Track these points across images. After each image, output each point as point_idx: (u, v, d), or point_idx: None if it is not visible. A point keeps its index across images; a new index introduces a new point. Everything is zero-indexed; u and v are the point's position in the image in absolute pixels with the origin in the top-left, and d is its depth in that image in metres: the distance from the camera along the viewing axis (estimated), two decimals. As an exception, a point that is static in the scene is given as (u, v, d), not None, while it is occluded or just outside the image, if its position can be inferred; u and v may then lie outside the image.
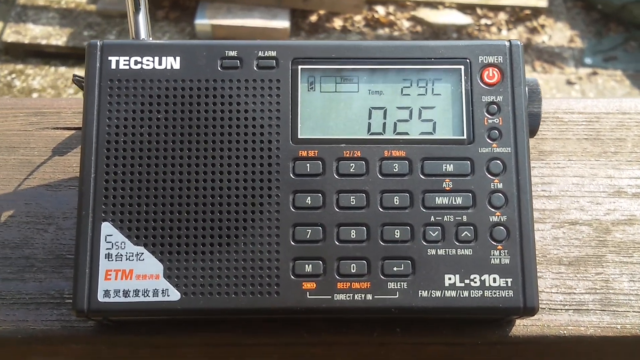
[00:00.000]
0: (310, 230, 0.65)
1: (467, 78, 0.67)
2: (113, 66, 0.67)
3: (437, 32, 3.50)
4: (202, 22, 3.39)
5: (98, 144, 0.66)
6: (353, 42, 0.69)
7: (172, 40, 0.70)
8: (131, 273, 0.64)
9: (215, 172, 0.65)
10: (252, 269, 0.64)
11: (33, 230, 0.74)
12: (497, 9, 3.61)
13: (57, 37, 3.43)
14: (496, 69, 0.67)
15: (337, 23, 3.56)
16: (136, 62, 0.67)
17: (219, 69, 0.67)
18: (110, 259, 0.64)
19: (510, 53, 0.68)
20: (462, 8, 3.61)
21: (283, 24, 3.40)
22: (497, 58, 0.67)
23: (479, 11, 3.60)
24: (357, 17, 3.57)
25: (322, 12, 3.57)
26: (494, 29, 3.54)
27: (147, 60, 0.67)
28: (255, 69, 0.67)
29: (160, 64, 0.67)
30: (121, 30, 3.46)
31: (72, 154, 0.79)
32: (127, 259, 0.64)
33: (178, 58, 0.67)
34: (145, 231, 0.65)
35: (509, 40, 0.68)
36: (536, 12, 3.59)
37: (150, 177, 0.65)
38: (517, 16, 3.59)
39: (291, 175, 0.66)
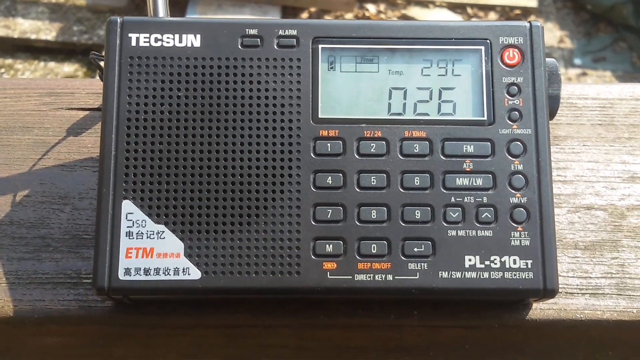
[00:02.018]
0: (330, 210, 0.65)
1: (487, 59, 0.68)
2: (133, 43, 0.67)
3: (428, 31, 3.51)
4: (193, 17, 3.38)
5: (119, 121, 0.65)
6: (374, 22, 0.69)
7: (192, 17, 0.70)
8: (152, 251, 0.64)
9: (236, 150, 0.65)
10: (272, 249, 0.64)
11: (49, 210, 0.73)
12: (487, 8, 3.63)
13: (46, 31, 3.41)
14: (517, 50, 0.68)
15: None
16: (156, 40, 0.67)
17: (240, 47, 0.67)
18: (130, 237, 0.64)
19: (530, 34, 0.68)
20: (453, 7, 3.62)
21: (274, 20, 3.40)
22: (518, 39, 0.68)
23: (469, 10, 3.62)
24: (348, 15, 3.58)
25: (313, 9, 3.57)
26: (484, 28, 3.55)
27: (168, 37, 0.67)
28: (275, 47, 0.67)
29: (180, 41, 0.67)
30: (110, 26, 3.44)
31: (87, 134, 0.78)
32: (147, 237, 0.64)
33: (198, 36, 0.67)
34: (165, 209, 0.64)
35: (530, 22, 0.69)
36: (526, 12, 3.61)
37: (171, 155, 0.65)
38: (507, 16, 3.61)
39: (312, 154, 0.66)
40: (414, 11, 3.62)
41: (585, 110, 0.80)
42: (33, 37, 3.38)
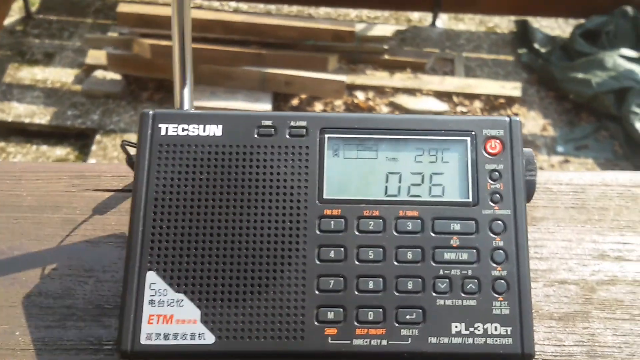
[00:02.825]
0: (333, 281, 0.73)
1: (472, 148, 0.77)
2: (163, 132, 0.76)
3: (416, 118, 3.64)
4: (216, 110, 3.48)
5: (147, 201, 0.74)
6: (374, 115, 0.79)
7: (214, 110, 0.79)
8: (172, 318, 0.71)
9: (250, 227, 0.74)
10: (280, 315, 0.72)
11: (74, 282, 0.80)
12: (472, 97, 3.78)
13: (40, 115, 3.49)
14: (498, 141, 0.77)
15: (318, 107, 3.68)
16: (183, 129, 0.76)
17: (256, 136, 0.76)
18: (153, 305, 0.71)
19: (510, 127, 0.78)
20: (439, 95, 3.77)
21: (265, 107, 3.52)
22: (499, 131, 0.78)
23: (455, 99, 3.76)
24: (338, 102, 3.70)
25: (303, 96, 3.70)
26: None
27: (193, 127, 0.76)
28: (287, 136, 0.77)
29: (204, 131, 0.76)
30: (104, 110, 3.54)
31: (111, 213, 0.86)
32: (168, 305, 0.71)
33: (220, 126, 0.76)
34: (185, 280, 0.72)
35: (509, 116, 0.79)
36: (510, 101, 3.76)
37: (192, 232, 0.73)
38: (492, 104, 3.75)
39: (317, 231, 0.74)
40: (402, 99, 3.75)
41: (560, 195, 0.90)
42: (27, 120, 3.45)
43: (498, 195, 0.75)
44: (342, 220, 0.75)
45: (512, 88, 3.80)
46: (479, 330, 0.72)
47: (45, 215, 0.86)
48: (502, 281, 0.73)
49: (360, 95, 3.75)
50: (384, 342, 0.71)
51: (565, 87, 3.73)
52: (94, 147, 3.35)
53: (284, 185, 0.75)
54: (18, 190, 0.88)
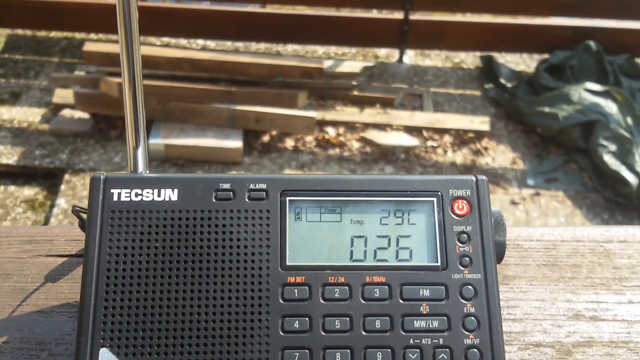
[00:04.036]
0: (297, 354, 0.69)
1: (439, 209, 0.74)
2: (115, 198, 0.72)
3: (386, 152, 3.64)
4: (156, 141, 3.46)
5: (99, 272, 0.69)
6: (337, 176, 0.76)
7: (169, 174, 0.75)
8: (127, 397, 0.67)
9: (209, 297, 0.70)
10: None
11: (26, 357, 0.75)
12: (442, 131, 3.79)
13: (8, 155, 3.44)
14: (465, 201, 0.75)
15: (289, 143, 3.67)
16: (137, 194, 0.72)
17: (214, 200, 0.73)
18: (106, 383, 0.67)
19: (477, 187, 0.75)
20: (409, 130, 3.77)
21: (236, 143, 3.50)
22: (466, 191, 0.75)
23: (425, 133, 3.77)
24: (309, 138, 3.69)
25: (274, 132, 3.69)
26: (439, 150, 3.70)
27: (147, 192, 0.72)
28: (247, 200, 0.73)
29: (159, 195, 0.72)
30: (73, 150, 3.50)
31: (64, 280, 0.82)
32: (123, 383, 0.67)
33: (176, 190, 0.73)
34: (141, 356, 0.68)
35: (476, 176, 0.76)
36: (479, 135, 3.78)
37: (147, 304, 0.69)
38: (462, 139, 3.76)
39: (280, 300, 0.70)
40: (372, 134, 3.75)
41: (531, 252, 0.87)
42: (-6, 161, 3.41)
43: (467, 259, 0.73)
44: (306, 287, 0.71)
45: (480, 122, 3.81)
46: (452, 402, 0.69)
47: (-6, 284, 0.81)
48: (475, 350, 0.70)
49: (331, 131, 3.74)
50: None
51: (533, 121, 3.76)
52: (62, 187, 3.30)
53: (245, 252, 0.71)
54: (-35, 258, 0.83)
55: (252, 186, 0.74)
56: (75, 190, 3.30)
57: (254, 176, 0.74)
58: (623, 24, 4.25)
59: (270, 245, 0.72)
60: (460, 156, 3.68)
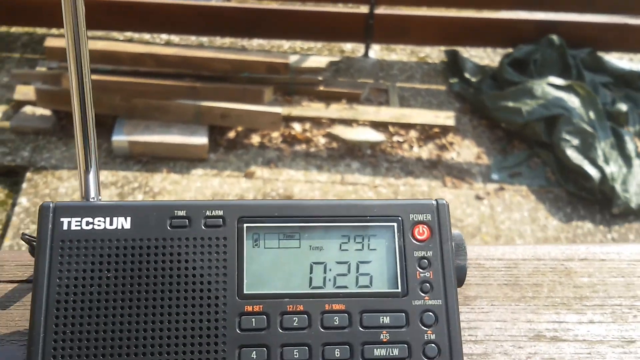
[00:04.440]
0: None
1: (399, 234, 0.73)
2: (65, 227, 0.69)
3: (352, 148, 3.64)
4: (120, 138, 3.41)
5: (48, 303, 0.67)
6: (295, 202, 0.74)
7: (123, 201, 0.73)
8: None
9: (164, 329, 0.68)
10: None
11: (-26, 389, 0.73)
12: (408, 127, 3.79)
13: (-32, 154, 3.38)
14: (425, 226, 0.73)
15: (255, 139, 3.65)
16: (88, 223, 0.70)
17: (168, 227, 0.71)
18: (57, 420, 0.65)
19: (437, 211, 0.74)
20: (375, 126, 3.77)
21: (201, 140, 3.46)
22: (426, 216, 0.74)
23: (391, 129, 3.76)
24: (275, 134, 3.67)
25: (240, 128, 3.66)
26: (405, 145, 3.70)
27: (99, 220, 0.70)
28: (203, 227, 0.71)
29: (111, 224, 0.70)
30: (35, 147, 3.43)
31: (15, 307, 0.79)
32: (74, 420, 0.65)
33: (129, 218, 0.70)
34: (93, 390, 0.66)
35: (436, 200, 0.75)
36: (444, 130, 3.79)
37: (99, 336, 0.67)
38: (427, 134, 3.77)
39: (237, 330, 0.69)
40: (339, 129, 3.74)
41: (492, 271, 0.86)
42: (-46, 159, 3.34)
43: (428, 285, 0.72)
44: (264, 317, 0.69)
45: (445, 117, 3.82)
46: None
47: (-59, 313, 0.78)
48: None
49: (297, 127, 3.72)
50: None
51: (497, 116, 3.78)
52: (24, 185, 3.24)
53: (201, 281, 0.70)
54: None
55: (208, 213, 0.72)
56: (37, 189, 3.25)
57: (210, 202, 0.72)
58: (586, 17, 4.29)
59: (227, 273, 0.70)
60: (426, 151, 3.68)
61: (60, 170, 3.34)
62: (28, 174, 3.31)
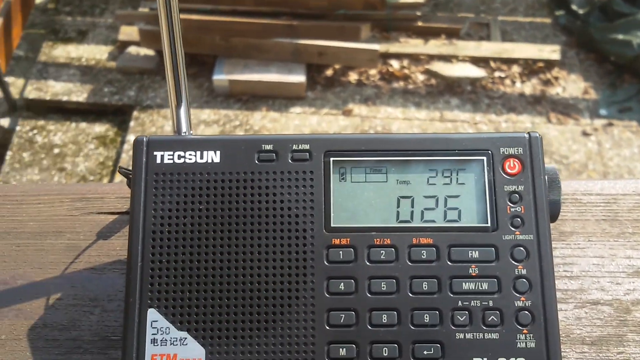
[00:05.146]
0: (343, 315, 0.68)
1: (489, 169, 0.71)
2: (158, 160, 0.72)
3: (452, 84, 3.56)
4: (220, 77, 3.46)
5: (144, 234, 0.70)
6: (381, 135, 0.73)
7: (212, 135, 0.75)
8: (175, 357, 0.68)
9: (254, 259, 0.69)
10: (289, 353, 0.68)
11: (80, 313, 0.77)
12: (510, 62, 3.67)
13: (77, 93, 3.51)
14: (517, 160, 0.71)
15: (353, 77, 3.62)
16: (179, 157, 0.72)
17: (256, 161, 0.72)
18: (155, 344, 0.68)
19: (529, 145, 0.72)
20: (476, 61, 3.67)
21: (299, 78, 3.47)
22: (518, 150, 0.71)
23: (492, 64, 3.66)
24: (372, 71, 3.64)
25: (337, 66, 3.64)
26: (507, 81, 3.59)
27: (190, 154, 0.72)
28: (289, 161, 0.72)
29: (201, 157, 0.72)
30: (140, 87, 3.54)
31: (116, 237, 0.83)
32: (171, 344, 0.68)
33: (218, 152, 0.72)
34: (188, 317, 0.68)
35: (529, 133, 0.72)
36: (549, 64, 3.64)
37: (193, 265, 0.69)
38: (531, 69, 3.64)
39: (325, 262, 0.70)
40: (437, 66, 3.66)
41: (590, 206, 0.83)
42: (65, 99, 3.48)
43: (519, 220, 0.70)
44: (352, 250, 0.70)
45: (550, 51, 3.67)
46: (502, 366, 0.67)
47: (48, 242, 0.83)
48: (527, 312, 0.68)
49: (394, 64, 3.67)
50: None
51: (606, 49, 3.60)
52: (132, 123, 3.36)
53: (288, 214, 0.70)
54: (19, 215, 0.85)
55: (295, 147, 0.72)
56: (144, 127, 3.36)
57: (297, 136, 0.73)
58: None
59: (314, 207, 0.71)
60: (529, 87, 3.56)
61: (165, 109, 3.44)
62: (135, 113, 3.42)
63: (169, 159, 0.72)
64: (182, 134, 0.77)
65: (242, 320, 0.68)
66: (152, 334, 0.68)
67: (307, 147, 0.72)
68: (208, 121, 3.35)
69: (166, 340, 0.68)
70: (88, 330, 0.77)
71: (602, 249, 0.80)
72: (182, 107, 0.75)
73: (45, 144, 3.31)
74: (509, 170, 0.71)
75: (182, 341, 0.68)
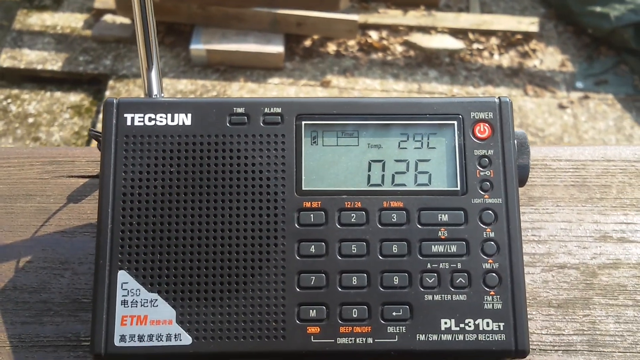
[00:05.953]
0: (314, 277, 0.69)
1: (460, 133, 0.72)
2: (128, 123, 0.71)
3: (430, 56, 3.56)
4: (197, 47, 3.43)
5: (114, 196, 0.70)
6: (353, 99, 0.74)
7: (183, 98, 0.74)
8: (145, 319, 0.68)
9: (225, 222, 0.70)
10: (259, 314, 0.68)
11: (50, 275, 0.77)
12: (488, 33, 3.67)
13: (52, 62, 3.46)
14: (487, 124, 0.72)
15: (331, 48, 3.61)
16: (150, 119, 0.71)
17: (228, 124, 0.72)
18: (126, 305, 0.68)
19: (500, 109, 0.72)
20: (454, 33, 3.66)
21: (277, 48, 3.45)
22: (488, 114, 0.72)
23: (470, 36, 3.66)
24: (351, 42, 3.62)
25: (316, 37, 3.62)
26: (485, 53, 3.60)
27: (161, 117, 0.71)
28: (261, 124, 0.72)
29: (172, 120, 0.71)
30: (116, 55, 3.50)
31: (87, 201, 0.83)
32: (142, 305, 0.68)
33: (189, 115, 0.72)
34: (159, 279, 0.69)
35: (499, 97, 0.73)
36: (527, 36, 3.65)
37: (164, 228, 0.69)
38: (509, 41, 3.65)
39: (296, 225, 0.70)
40: (416, 37, 3.66)
41: (559, 172, 0.84)
42: (39, 67, 3.43)
43: (488, 183, 0.70)
44: (322, 212, 0.70)
45: (529, 23, 3.68)
46: (469, 326, 0.68)
47: (18, 205, 0.82)
48: (494, 274, 0.69)
49: (373, 35, 3.66)
50: (370, 340, 0.68)
51: (584, 21, 3.61)
52: (107, 93, 3.33)
53: (260, 177, 0.71)
54: (-10, 179, 0.85)
55: (266, 110, 0.72)
56: (119, 97, 3.32)
57: (269, 100, 0.73)
58: None
59: (285, 170, 0.71)
60: (507, 59, 3.57)
61: (140, 78, 3.40)
62: (110, 82, 3.39)
63: (139, 121, 0.71)
64: (154, 97, 0.76)
65: (213, 282, 0.69)
66: (123, 296, 0.68)
67: (278, 110, 0.72)
68: (185, 91, 3.33)
69: (136, 301, 0.68)
70: (58, 293, 0.76)
71: (570, 214, 0.81)
72: (153, 69, 0.75)
73: (20, 113, 3.27)
74: (479, 135, 0.72)
75: (152, 303, 0.68)
